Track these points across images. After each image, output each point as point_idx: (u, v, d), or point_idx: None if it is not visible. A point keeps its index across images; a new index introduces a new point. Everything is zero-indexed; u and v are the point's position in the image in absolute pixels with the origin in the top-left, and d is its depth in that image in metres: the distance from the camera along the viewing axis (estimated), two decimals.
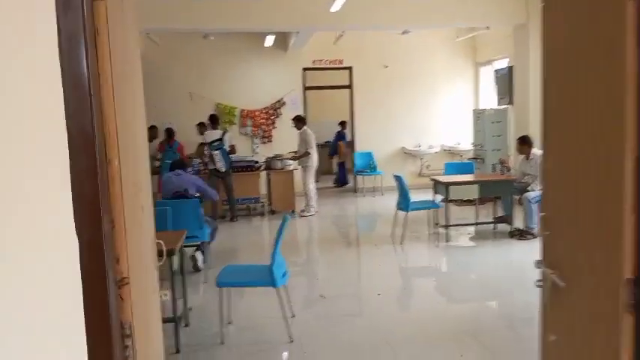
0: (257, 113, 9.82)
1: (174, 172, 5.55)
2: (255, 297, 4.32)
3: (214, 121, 7.85)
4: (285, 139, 9.44)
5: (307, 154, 7.74)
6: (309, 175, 7.78)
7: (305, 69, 9.88)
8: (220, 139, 7.57)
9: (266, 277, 3.55)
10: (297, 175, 8.56)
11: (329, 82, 10.23)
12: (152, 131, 8.59)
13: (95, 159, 1.24)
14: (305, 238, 7.17)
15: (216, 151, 7.48)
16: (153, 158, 8.18)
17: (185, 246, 5.01)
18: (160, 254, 2.04)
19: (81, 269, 1.07)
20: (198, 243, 5.23)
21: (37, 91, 0.96)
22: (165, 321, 3.56)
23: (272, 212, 8.19)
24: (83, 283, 1.07)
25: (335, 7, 6.50)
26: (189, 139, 8.99)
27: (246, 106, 9.78)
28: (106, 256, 1.27)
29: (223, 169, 7.53)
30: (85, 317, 1.08)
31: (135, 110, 1.80)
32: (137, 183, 1.71)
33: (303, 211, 7.88)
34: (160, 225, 4.11)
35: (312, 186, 7.83)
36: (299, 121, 7.89)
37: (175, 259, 3.69)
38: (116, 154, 1.40)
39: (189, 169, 7.87)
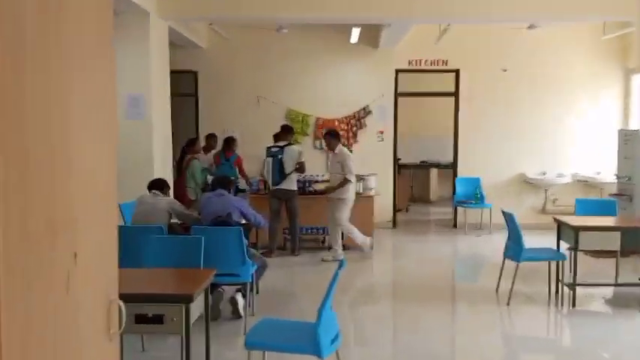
0: (336, 123, 9.81)
1: (216, 192, 5.56)
2: None
3: (286, 131, 8.01)
4: (368, 155, 9.51)
5: (346, 181, 7.42)
6: (343, 209, 7.47)
7: (398, 71, 9.85)
8: (281, 148, 7.65)
9: (310, 341, 3.26)
10: (379, 201, 8.59)
11: (429, 87, 10.26)
12: (210, 140, 8.98)
13: None
14: (375, 288, 6.99)
15: (269, 159, 7.64)
16: (207, 172, 8.44)
17: (222, 285, 5.17)
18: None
19: None
20: (240, 283, 5.15)
21: None
22: None
23: (344, 247, 7.97)
24: None
25: None
26: (251, 152, 9.13)
27: (323, 114, 9.91)
28: None
29: (270, 182, 7.69)
30: None
31: (77, 109, 1.54)
32: (57, 219, 1.41)
33: (329, 251, 7.69)
34: (192, 259, 4.24)
35: (346, 224, 7.55)
36: (333, 138, 7.62)
37: (196, 305, 3.52)
38: None
39: (247, 190, 8.41)
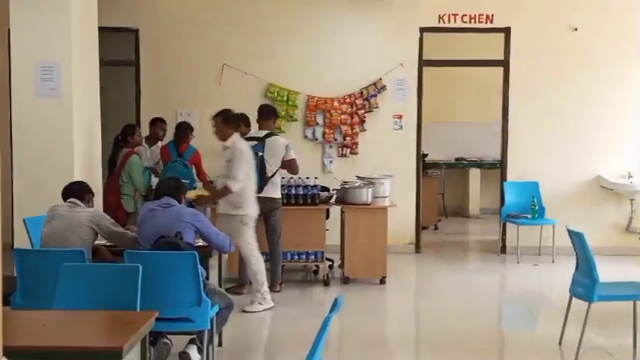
0: (334, 104, 9.82)
1: (162, 202, 5.49)
2: None
3: (266, 115, 8.01)
4: (381, 149, 9.62)
5: (225, 191, 7.12)
6: (242, 231, 7.10)
7: (424, 30, 9.83)
8: (260, 142, 7.67)
9: None
10: (397, 215, 8.62)
11: (466, 54, 10.23)
12: (155, 128, 8.96)
13: None
14: (388, 341, 6.98)
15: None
16: (151, 172, 8.46)
17: (169, 333, 5.20)
18: None
19: None
20: (195, 331, 5.17)
21: None
22: None
23: (345, 280, 8.14)
24: None
25: None
26: (215, 145, 8.88)
27: (317, 91, 9.87)
28: None
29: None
30: None
31: None
32: None
33: (251, 302, 7.20)
34: (125, 297, 4.23)
35: (247, 250, 7.17)
36: (225, 123, 7.33)
37: None
38: None
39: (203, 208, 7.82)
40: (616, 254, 8.40)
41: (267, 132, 7.85)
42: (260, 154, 7.57)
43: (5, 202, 6.90)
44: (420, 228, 10.04)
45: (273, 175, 7.67)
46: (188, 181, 7.55)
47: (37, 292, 4.69)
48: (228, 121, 7.33)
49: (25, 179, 6.60)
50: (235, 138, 7.37)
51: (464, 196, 12.53)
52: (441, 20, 9.90)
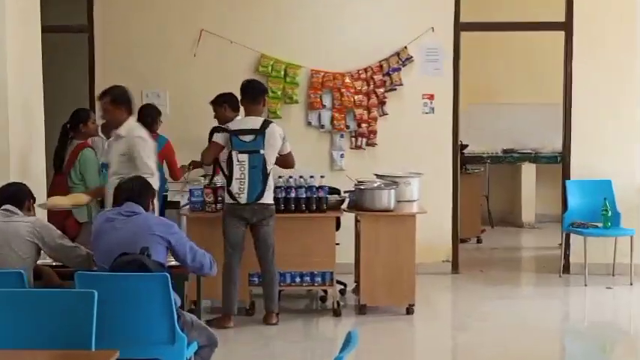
0: (346, 81, 9.88)
1: (123, 210, 5.50)
2: None
3: (251, 94, 7.98)
4: (407, 139, 9.79)
5: None
6: None
7: None
8: (258, 135, 7.71)
9: None
10: (428, 224, 8.74)
11: (517, 15, 10.47)
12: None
13: None
14: None
15: (243, 156, 7.72)
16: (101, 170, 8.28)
17: None
18: None
19: None
20: None
21: None
22: None
23: (361, 309, 8.19)
24: None
25: None
26: (192, 134, 9.35)
27: (323, 65, 9.94)
28: None
29: (245, 200, 7.69)
30: None
31: None
32: None
33: None
34: (76, 331, 4.22)
35: None
36: (113, 103, 7.45)
37: None
38: None
39: (184, 205, 8.32)
40: None
41: (263, 119, 7.90)
42: (262, 151, 7.71)
43: None
44: (457, 241, 10.12)
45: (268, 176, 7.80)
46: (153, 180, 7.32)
47: None
48: (119, 102, 7.41)
49: None
50: (132, 124, 7.49)
51: (515, 200, 12.62)
52: None
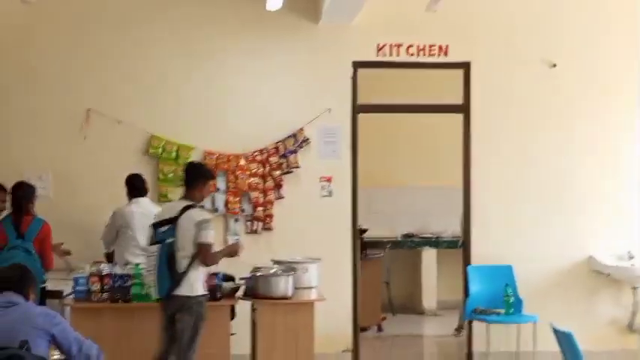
0: (241, 163, 8.37)
1: (1, 300, 4.59)
2: None
3: (186, 178, 6.82)
4: (305, 223, 8.23)
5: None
6: None
7: (358, 64, 8.48)
8: (173, 221, 6.43)
9: None
10: (326, 312, 7.19)
11: (414, 96, 8.97)
12: None
13: None
14: None
15: (155, 249, 6.51)
16: None
17: None
18: None
19: None
20: None
21: None
22: None
23: None
24: None
25: None
26: (74, 216, 8.16)
27: (217, 146, 8.42)
28: None
29: (156, 296, 6.48)
30: None
31: None
32: None
33: None
34: None
35: None
36: None
37: None
38: None
39: (65, 293, 7.21)
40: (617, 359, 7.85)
41: (184, 205, 6.50)
42: (167, 240, 6.41)
43: None
44: (358, 330, 8.45)
45: (188, 269, 6.44)
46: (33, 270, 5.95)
47: None
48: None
49: None
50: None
51: (416, 286, 11.07)
52: (380, 52, 8.54)
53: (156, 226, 6.49)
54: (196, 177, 6.69)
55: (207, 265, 6.45)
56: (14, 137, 8.41)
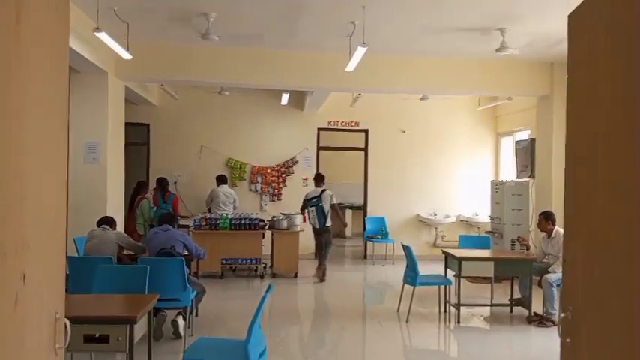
0: (268, 170, 10.07)
1: (162, 228, 5.41)
2: None
3: (318, 179, 8.24)
4: (295, 197, 9.37)
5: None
6: None
7: (320, 129, 10.27)
8: (318, 197, 7.94)
9: (240, 355, 3.24)
10: (303, 236, 8.52)
11: (344, 143, 10.52)
12: (159, 183, 8.51)
13: None
14: (298, 309, 6.94)
15: (312, 208, 7.92)
16: (155, 210, 8.14)
17: (165, 308, 5.01)
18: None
19: None
20: (181, 307, 4.99)
21: None
22: None
23: (273, 275, 8.13)
24: None
25: (350, 67, 6.55)
26: (195, 193, 9.40)
27: (257, 162, 10.10)
28: None
29: (317, 227, 7.92)
30: None
31: (31, 145, 1.53)
32: (7, 243, 1.38)
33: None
34: (138, 286, 4.15)
35: None
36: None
37: (140, 326, 3.53)
38: None
39: (191, 226, 7.96)
40: (429, 260, 8.43)
41: (321, 190, 8.03)
42: (320, 204, 7.88)
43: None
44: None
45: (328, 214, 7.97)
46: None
47: (82, 283, 4.50)
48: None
49: (74, 213, 6.28)
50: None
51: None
52: (329, 124, 10.23)
53: (309, 200, 7.93)
54: (322, 178, 8.21)
55: (338, 214, 8.04)
56: (168, 156, 9.73)
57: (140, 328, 3.50)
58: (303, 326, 6.11)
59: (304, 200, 8.10)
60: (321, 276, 7.95)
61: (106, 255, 5.08)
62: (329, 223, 7.95)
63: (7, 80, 1.38)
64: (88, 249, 5.33)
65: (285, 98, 9.45)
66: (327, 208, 7.89)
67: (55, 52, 1.67)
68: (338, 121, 10.19)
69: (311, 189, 8.36)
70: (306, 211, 8.09)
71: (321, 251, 8.08)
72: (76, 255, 5.61)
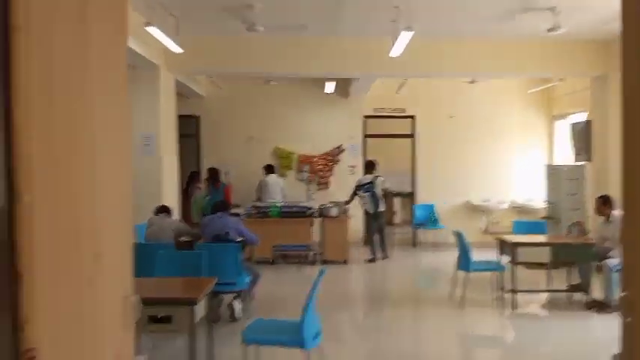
0: (315, 159, 10.15)
1: (216, 215, 5.61)
2: (289, 357, 3.93)
3: (369, 166, 8.44)
4: (342, 186, 9.58)
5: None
6: None
7: (366, 117, 10.20)
8: (370, 183, 8.14)
9: (296, 336, 3.33)
10: (352, 223, 8.56)
11: (390, 130, 10.39)
12: (211, 173, 8.79)
13: None
14: (352, 294, 7.05)
15: (366, 193, 8.11)
16: (207, 198, 8.37)
17: (222, 292, 5.18)
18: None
19: None
20: (237, 291, 5.21)
21: None
22: None
23: (324, 261, 8.11)
24: None
25: (395, 52, 6.48)
26: (244, 182, 9.51)
27: (305, 151, 10.17)
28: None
29: (371, 211, 8.15)
30: None
31: (100, 135, 1.61)
32: (82, 224, 1.47)
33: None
34: (196, 270, 4.35)
35: None
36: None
37: (200, 308, 3.65)
38: (29, 188, 1.17)
39: (242, 214, 8.03)
40: (480, 246, 7.84)
41: (373, 176, 8.23)
42: (373, 189, 8.12)
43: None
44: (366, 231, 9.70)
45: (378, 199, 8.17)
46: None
47: (143, 268, 4.67)
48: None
49: (132, 202, 6.49)
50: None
51: (391, 212, 11.72)
52: (375, 111, 10.17)
53: (361, 185, 8.08)
54: (373, 165, 8.33)
55: (392, 195, 8.86)
56: (218, 145, 9.90)
57: (199, 310, 3.63)
58: (356, 311, 6.15)
59: (356, 186, 8.21)
60: (381, 257, 8.28)
61: (165, 241, 5.25)
62: (382, 208, 8.14)
63: (81, 79, 1.49)
64: (148, 235, 5.52)
65: (330, 86, 9.44)
66: (380, 193, 8.06)
67: (114, 46, 1.76)
68: (384, 108, 10.12)
69: (360, 176, 8.42)
70: (357, 196, 8.19)
71: (372, 236, 8.30)
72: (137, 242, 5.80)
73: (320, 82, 9.50)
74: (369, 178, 8.16)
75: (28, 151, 1.17)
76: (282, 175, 9.70)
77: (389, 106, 10.11)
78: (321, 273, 3.62)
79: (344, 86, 9.74)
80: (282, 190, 8.74)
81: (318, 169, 10.06)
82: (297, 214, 8.18)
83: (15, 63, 1.12)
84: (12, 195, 1.13)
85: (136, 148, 6.82)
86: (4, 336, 1.07)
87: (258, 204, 8.32)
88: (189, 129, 9.83)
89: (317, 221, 8.48)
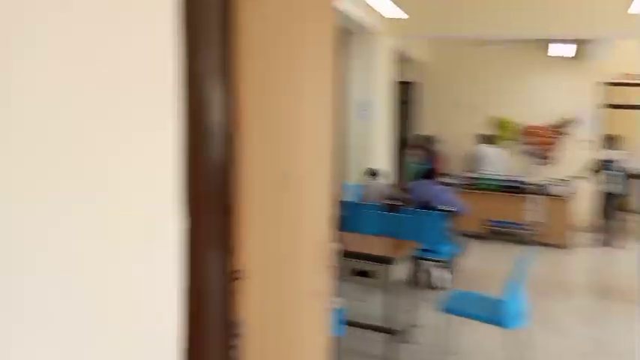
0: (538, 131, 9.42)
1: (424, 182, 5.70)
2: (490, 333, 3.75)
3: (613, 141, 7.74)
4: (569, 161, 8.84)
5: None
6: None
7: (603, 84, 8.99)
8: (615, 161, 7.49)
9: (496, 312, 3.36)
10: (579, 205, 7.87)
11: (635, 100, 8.96)
12: (426, 140, 8.69)
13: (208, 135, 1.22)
14: (570, 283, 6.39)
15: (611, 172, 7.50)
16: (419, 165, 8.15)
17: (423, 259, 5.17)
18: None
19: (189, 260, 1.13)
20: (439, 259, 5.20)
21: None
22: (376, 330, 3.83)
23: (541, 244, 7.26)
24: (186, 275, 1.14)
25: (635, 8, 5.75)
26: (458, 151, 9.14)
27: (526, 121, 9.48)
28: (215, 245, 1.25)
29: (616, 192, 7.59)
30: (187, 311, 1.16)
31: (308, 98, 1.79)
32: (289, 174, 1.67)
33: None
34: (400, 233, 4.50)
35: None
36: None
37: (399, 269, 3.80)
38: (241, 136, 1.34)
39: (454, 183, 7.77)
40: None
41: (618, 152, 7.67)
42: (622, 168, 7.52)
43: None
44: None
45: None
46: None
47: (354, 224, 4.80)
48: None
49: (345, 163, 6.70)
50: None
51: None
52: (617, 77, 8.81)
53: (605, 162, 7.47)
54: (616, 141, 7.61)
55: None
56: (434, 112, 9.56)
57: (399, 272, 3.78)
58: (574, 300, 5.65)
59: (598, 162, 7.60)
60: (618, 246, 7.56)
61: (374, 202, 5.49)
62: (625, 191, 7.63)
63: (297, 52, 1.68)
64: (364, 196, 5.84)
65: (555, 48, 8.43)
66: (627, 173, 7.54)
67: (323, 10, 1.93)
68: (627, 74, 8.68)
69: (599, 152, 7.76)
70: (596, 175, 7.64)
71: (609, 220, 7.67)
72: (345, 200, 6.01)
73: (542, 44, 8.61)
74: (613, 154, 7.50)
75: (243, 103, 1.32)
76: (500, 147, 9.03)
77: (633, 71, 8.59)
78: (533, 255, 3.52)
79: (577, 49, 8.67)
80: (500, 162, 8.35)
81: (542, 141, 9.30)
82: (516, 189, 7.74)
83: (236, 25, 1.25)
84: (230, 145, 1.28)
85: (353, 112, 6.99)
86: (218, 257, 1.27)
87: (473, 174, 8.07)
88: (405, 95, 9.73)
89: (537, 199, 7.79)
